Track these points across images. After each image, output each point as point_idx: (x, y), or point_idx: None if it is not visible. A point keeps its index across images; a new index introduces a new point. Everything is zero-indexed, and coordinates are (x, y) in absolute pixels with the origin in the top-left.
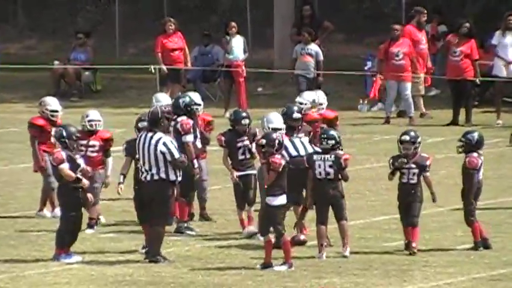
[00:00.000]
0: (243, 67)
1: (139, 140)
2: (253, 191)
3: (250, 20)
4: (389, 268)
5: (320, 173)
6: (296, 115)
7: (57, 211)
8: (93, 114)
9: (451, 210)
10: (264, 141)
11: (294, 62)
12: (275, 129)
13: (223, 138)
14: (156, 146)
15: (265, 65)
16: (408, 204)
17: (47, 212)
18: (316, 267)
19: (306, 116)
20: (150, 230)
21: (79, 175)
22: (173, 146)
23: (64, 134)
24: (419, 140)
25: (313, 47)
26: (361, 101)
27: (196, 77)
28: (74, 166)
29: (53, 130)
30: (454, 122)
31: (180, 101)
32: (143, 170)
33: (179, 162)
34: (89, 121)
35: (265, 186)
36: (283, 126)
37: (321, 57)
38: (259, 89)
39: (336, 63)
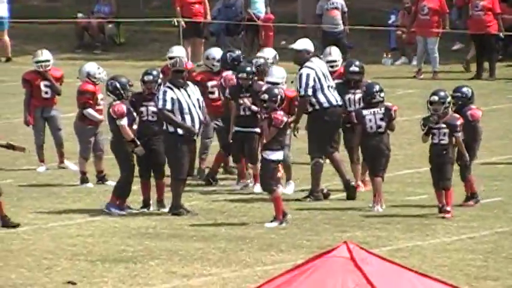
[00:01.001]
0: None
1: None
2: (252, 149)
3: None
4: (412, 222)
5: (371, 127)
6: (353, 68)
7: (67, 163)
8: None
9: (474, 164)
10: (266, 96)
11: (319, 18)
12: (272, 83)
13: (227, 91)
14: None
15: (289, 18)
16: (440, 165)
17: (42, 167)
18: (339, 220)
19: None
20: (170, 184)
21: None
22: (162, 97)
23: (118, 85)
24: (448, 99)
25: (339, 0)
26: (384, 55)
27: (220, 30)
28: (131, 118)
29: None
30: (478, 76)
31: (228, 55)
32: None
33: (160, 113)
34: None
35: (264, 141)
36: (283, 81)
37: (346, 9)
38: (283, 43)
39: (360, 17)
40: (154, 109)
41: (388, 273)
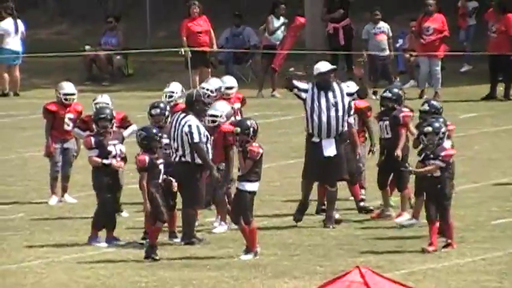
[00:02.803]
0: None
1: (172, 120)
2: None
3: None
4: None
5: None
6: (386, 94)
7: (67, 196)
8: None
9: (486, 185)
10: (238, 129)
11: (366, 43)
12: (228, 88)
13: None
14: (182, 127)
15: (296, 44)
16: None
17: (54, 198)
18: (351, 245)
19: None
20: (182, 213)
21: (106, 161)
22: (196, 129)
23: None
24: (443, 130)
25: (385, 25)
26: (393, 78)
27: (228, 59)
28: (104, 152)
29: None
30: (492, 96)
31: (138, 133)
32: (173, 149)
33: (198, 148)
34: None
35: (240, 173)
36: (222, 114)
37: (391, 34)
38: (291, 69)
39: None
40: (167, 141)
41: None
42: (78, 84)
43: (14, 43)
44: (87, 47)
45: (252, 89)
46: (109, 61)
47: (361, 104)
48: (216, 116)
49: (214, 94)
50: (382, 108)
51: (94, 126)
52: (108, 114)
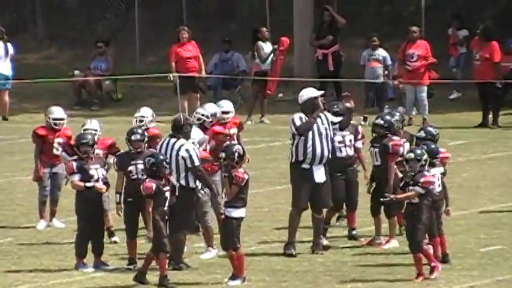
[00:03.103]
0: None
1: (161, 146)
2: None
3: (270, 27)
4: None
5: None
6: (377, 121)
7: (55, 221)
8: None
9: (474, 213)
10: (223, 154)
11: (363, 68)
12: (225, 112)
13: None
14: (178, 151)
15: (284, 70)
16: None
17: (42, 223)
18: (340, 272)
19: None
20: (172, 239)
21: (89, 184)
22: (195, 153)
23: (77, 142)
24: (425, 157)
25: (382, 52)
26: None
27: (217, 84)
28: (87, 176)
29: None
30: (484, 124)
31: (146, 160)
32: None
33: (197, 171)
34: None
35: (225, 199)
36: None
37: (389, 62)
38: (280, 95)
39: (356, 68)
40: (142, 167)
41: None
42: (68, 109)
43: (4, 67)
44: (76, 72)
45: (240, 115)
46: (98, 86)
47: None
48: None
49: (210, 119)
50: (374, 135)
51: (76, 151)
52: (90, 140)
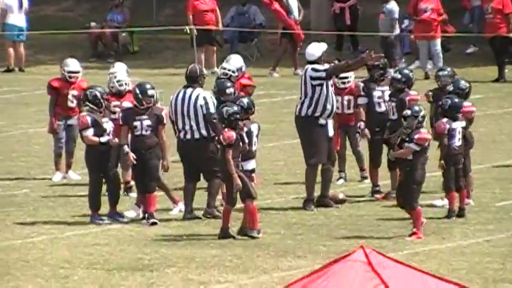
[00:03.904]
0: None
1: (177, 97)
2: None
3: None
4: (428, 226)
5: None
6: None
7: (71, 173)
8: (120, 73)
9: (490, 167)
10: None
11: (340, 21)
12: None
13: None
14: (196, 100)
15: (302, 25)
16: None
17: (58, 175)
18: (355, 225)
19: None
20: (208, 186)
21: (103, 139)
22: (212, 101)
23: (89, 96)
24: (422, 113)
25: (389, 5)
26: (396, 60)
27: (234, 37)
28: (100, 130)
29: (83, 93)
30: (500, 78)
31: (224, 110)
32: (181, 128)
33: (212, 119)
34: (118, 81)
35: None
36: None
37: (395, 15)
38: (297, 49)
39: (372, 22)
40: (149, 122)
41: (405, 277)
42: (83, 61)
43: (18, 19)
44: (92, 24)
45: (257, 68)
46: (114, 38)
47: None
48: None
49: (236, 74)
50: (392, 89)
51: (90, 104)
52: (104, 93)
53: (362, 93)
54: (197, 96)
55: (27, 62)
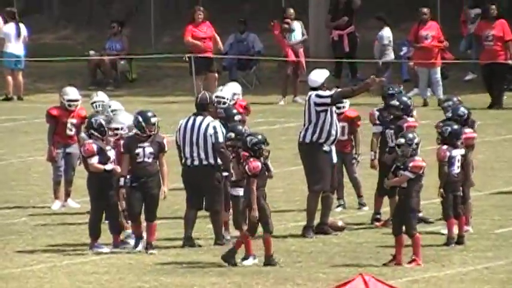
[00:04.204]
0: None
1: (186, 124)
2: None
3: (284, 7)
4: (428, 253)
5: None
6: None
7: (70, 201)
8: (114, 103)
9: (489, 194)
10: (232, 134)
11: (339, 49)
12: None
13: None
14: (206, 129)
15: (304, 52)
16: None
17: (56, 203)
18: (354, 253)
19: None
20: (211, 218)
21: (108, 167)
22: (221, 131)
23: (94, 124)
24: (416, 141)
25: (381, 32)
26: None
27: (232, 65)
28: (105, 158)
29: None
30: (495, 106)
31: (247, 139)
32: (188, 155)
33: (220, 148)
34: (113, 111)
35: (233, 178)
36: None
37: (384, 42)
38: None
39: (371, 49)
40: (151, 150)
41: None
42: (83, 89)
43: (16, 47)
44: (91, 52)
45: (256, 95)
46: (113, 66)
47: (352, 113)
48: (118, 129)
49: (230, 101)
50: (391, 117)
51: (95, 132)
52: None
53: (377, 121)
54: (207, 125)
55: (26, 90)
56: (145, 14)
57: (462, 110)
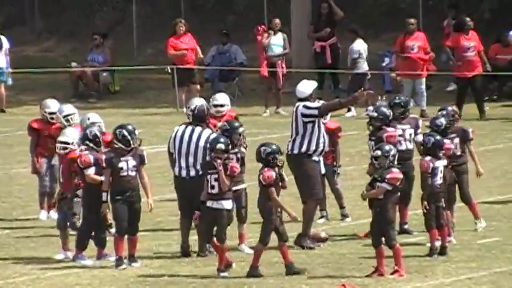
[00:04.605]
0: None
1: (182, 134)
2: (245, 207)
3: (267, 19)
4: (410, 264)
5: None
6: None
7: (52, 213)
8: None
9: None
10: (222, 146)
11: (321, 60)
12: (219, 105)
13: None
14: (206, 139)
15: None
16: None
17: (43, 213)
18: (337, 264)
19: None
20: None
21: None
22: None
23: (90, 135)
24: (392, 153)
25: (354, 43)
26: (379, 97)
27: (215, 76)
28: (101, 170)
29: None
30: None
31: (261, 149)
32: (184, 165)
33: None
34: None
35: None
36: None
37: (354, 55)
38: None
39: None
40: (134, 163)
41: None
42: (65, 102)
43: None
44: (73, 64)
45: (238, 107)
46: (95, 78)
47: (332, 125)
48: (67, 143)
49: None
50: (371, 128)
51: (90, 143)
52: (102, 133)
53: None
54: (207, 137)
55: (8, 102)
56: (128, 26)
57: (440, 120)
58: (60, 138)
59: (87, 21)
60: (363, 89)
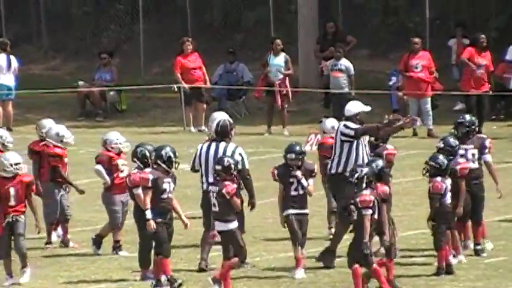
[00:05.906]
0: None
1: (207, 150)
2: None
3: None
4: (418, 283)
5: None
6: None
7: (59, 231)
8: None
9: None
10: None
11: (327, 79)
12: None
13: (276, 172)
14: (232, 155)
15: (289, 81)
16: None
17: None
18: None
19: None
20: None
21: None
22: (246, 157)
23: (138, 154)
24: (356, 176)
25: (344, 62)
26: (386, 116)
27: (222, 95)
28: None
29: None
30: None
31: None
32: (212, 181)
33: (247, 175)
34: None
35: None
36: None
37: (352, 72)
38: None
39: (361, 79)
40: (174, 185)
41: None
42: (72, 120)
43: (7, 78)
44: (80, 83)
45: (244, 125)
46: (102, 97)
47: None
48: (19, 164)
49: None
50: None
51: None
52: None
53: None
54: (233, 152)
55: (15, 121)
56: (135, 44)
57: (453, 140)
58: (13, 161)
59: (94, 40)
60: (407, 117)
